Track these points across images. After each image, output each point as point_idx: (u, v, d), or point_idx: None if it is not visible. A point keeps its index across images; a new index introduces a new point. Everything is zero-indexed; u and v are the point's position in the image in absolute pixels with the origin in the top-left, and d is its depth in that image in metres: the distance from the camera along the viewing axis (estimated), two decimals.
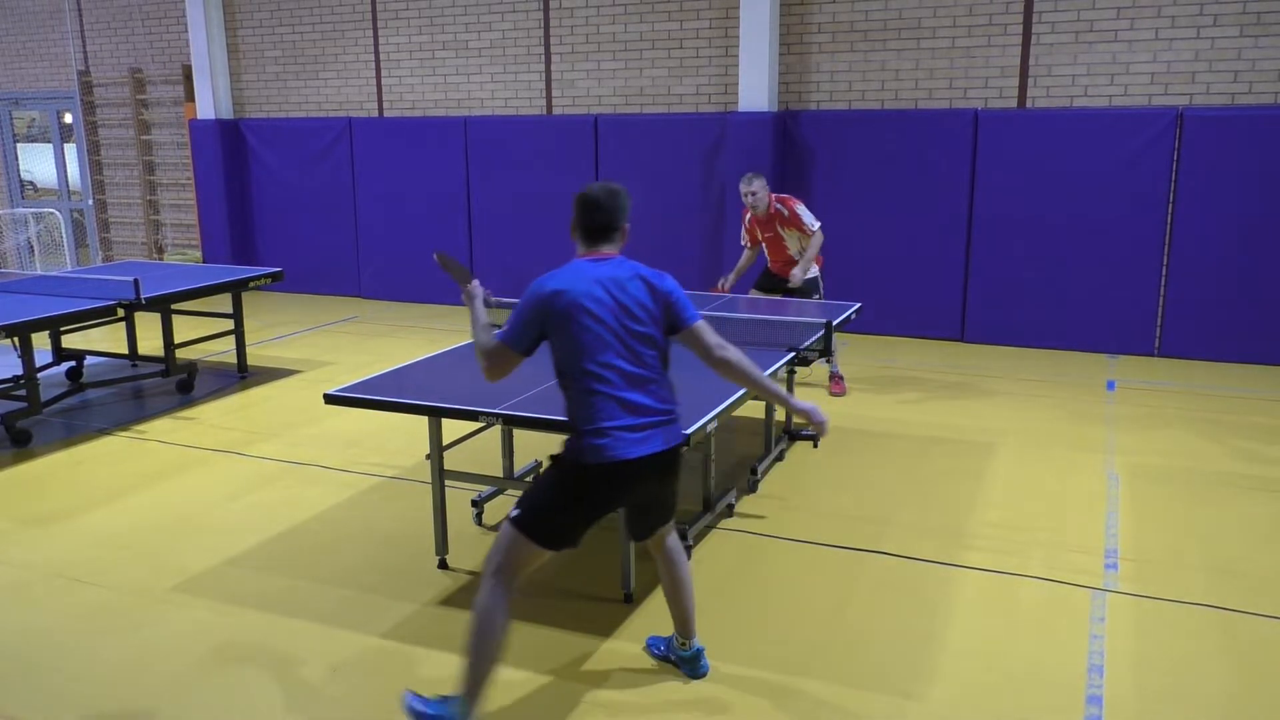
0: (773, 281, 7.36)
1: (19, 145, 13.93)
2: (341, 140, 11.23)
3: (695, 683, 3.57)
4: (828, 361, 5.19)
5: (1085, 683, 3.56)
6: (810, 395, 7.18)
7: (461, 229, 10.83)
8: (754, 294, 7.42)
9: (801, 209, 7.04)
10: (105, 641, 3.91)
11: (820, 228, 7.05)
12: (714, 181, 9.53)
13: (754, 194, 6.97)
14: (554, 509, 3.19)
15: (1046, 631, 3.92)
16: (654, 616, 4.04)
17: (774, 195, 7.10)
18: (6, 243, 12.91)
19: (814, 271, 7.17)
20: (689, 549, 4.58)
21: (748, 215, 7.23)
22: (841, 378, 7.39)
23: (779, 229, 7.12)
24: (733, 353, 3.28)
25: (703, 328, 3.29)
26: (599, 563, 4.53)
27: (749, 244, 7.37)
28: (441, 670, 3.67)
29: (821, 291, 7.28)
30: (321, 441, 6.31)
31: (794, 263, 7.13)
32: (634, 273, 3.25)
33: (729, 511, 5.08)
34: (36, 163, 14.28)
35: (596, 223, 3.31)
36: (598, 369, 3.14)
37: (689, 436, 3.40)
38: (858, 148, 8.98)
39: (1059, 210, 8.48)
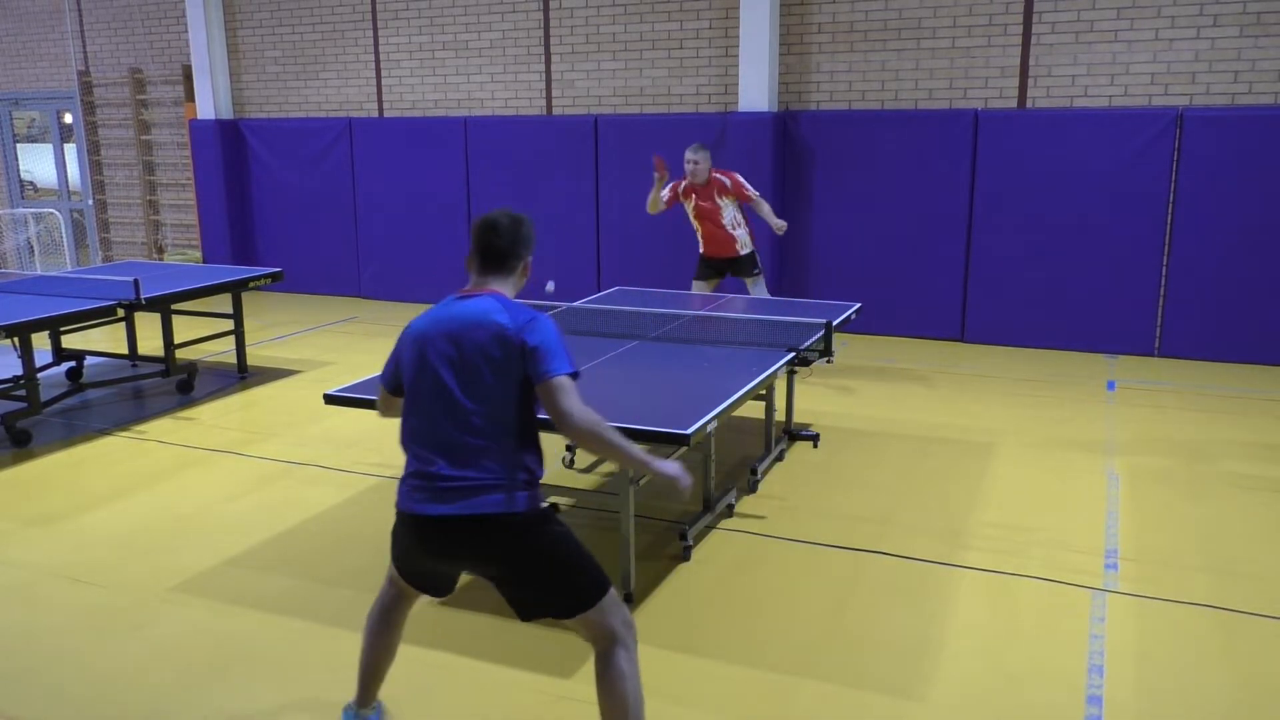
0: (711, 268, 7.62)
1: (19, 145, 13.94)
2: (341, 140, 11.23)
3: (695, 684, 3.57)
4: (828, 361, 5.21)
5: (1085, 683, 3.56)
6: (812, 384, 7.20)
7: (462, 229, 10.83)
8: (696, 288, 7.62)
9: (739, 177, 7.44)
10: (105, 641, 3.91)
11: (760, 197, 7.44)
12: None
13: (697, 163, 7.34)
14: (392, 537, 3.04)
15: (1046, 631, 3.92)
16: (654, 616, 4.04)
17: (715, 169, 7.45)
18: (6, 243, 12.91)
19: (750, 246, 7.52)
20: (689, 549, 4.58)
21: (683, 183, 7.50)
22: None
23: (716, 198, 7.41)
24: (586, 423, 2.79)
25: (557, 387, 2.78)
26: (599, 563, 4.53)
27: (666, 201, 7.60)
28: (441, 670, 3.67)
29: (761, 267, 7.62)
30: (321, 441, 6.31)
31: (730, 237, 7.45)
32: (490, 319, 2.84)
33: (729, 511, 5.08)
34: (36, 163, 14.28)
35: (488, 252, 3.00)
36: (414, 419, 2.91)
37: (517, 513, 2.82)
38: (858, 148, 8.98)
39: (1059, 210, 8.48)
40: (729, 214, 7.42)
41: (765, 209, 7.43)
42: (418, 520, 2.86)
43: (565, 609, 2.87)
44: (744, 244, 7.48)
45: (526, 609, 2.94)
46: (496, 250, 3.01)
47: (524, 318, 2.84)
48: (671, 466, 2.92)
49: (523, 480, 2.85)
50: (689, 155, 7.37)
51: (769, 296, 7.64)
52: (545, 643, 3.85)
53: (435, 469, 2.83)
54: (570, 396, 2.80)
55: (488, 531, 2.80)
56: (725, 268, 7.59)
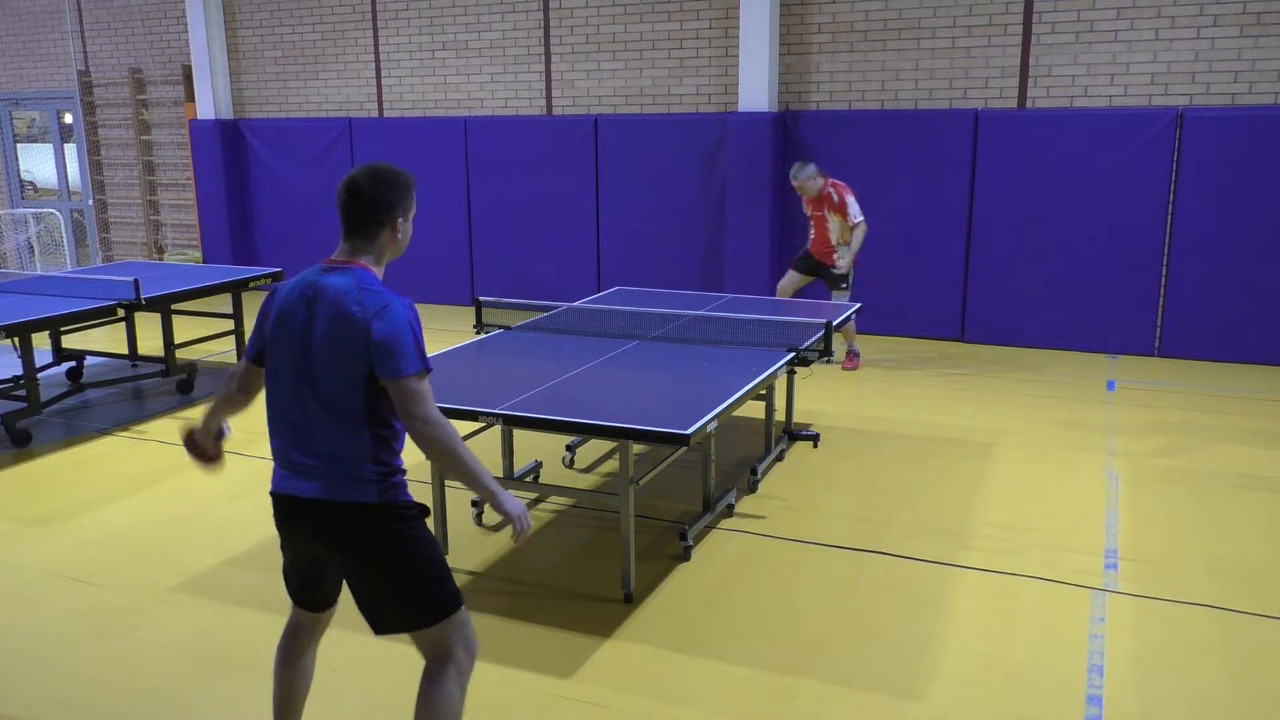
0: (810, 264, 7.91)
1: (19, 145, 13.94)
2: (341, 140, 11.23)
3: (695, 684, 3.57)
4: (828, 361, 5.22)
5: (1085, 683, 3.56)
6: (821, 376, 7.20)
7: (461, 229, 10.83)
8: (788, 276, 8.02)
9: (850, 199, 7.57)
10: (105, 642, 3.91)
11: (864, 222, 7.57)
12: (714, 182, 9.53)
13: (798, 184, 7.66)
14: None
15: (1046, 631, 3.92)
16: (654, 616, 4.04)
17: (829, 180, 7.67)
18: (6, 243, 12.91)
19: (847, 264, 7.74)
20: (688, 549, 4.58)
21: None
22: (858, 354, 8.02)
23: (825, 211, 7.66)
24: (436, 432, 2.56)
25: (406, 389, 2.54)
26: (599, 563, 4.54)
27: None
28: None
29: (849, 284, 7.79)
30: None
31: (831, 248, 7.71)
32: (341, 301, 2.60)
33: (729, 511, 5.08)
34: (36, 163, 14.28)
35: (346, 216, 2.74)
36: (272, 395, 2.72)
37: (371, 504, 2.64)
38: (858, 148, 8.98)
39: (1059, 210, 8.48)
40: (836, 231, 7.65)
41: (855, 240, 7.54)
42: (278, 498, 2.72)
43: (409, 619, 2.68)
44: (841, 256, 7.64)
45: (374, 613, 2.72)
46: (355, 213, 2.73)
47: (374, 305, 2.57)
48: (515, 505, 2.72)
49: (374, 472, 2.63)
50: (791, 176, 7.71)
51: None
52: (545, 643, 3.85)
53: (292, 448, 2.67)
54: (418, 400, 2.55)
55: (332, 518, 2.63)
56: (819, 270, 7.87)
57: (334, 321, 2.59)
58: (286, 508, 2.71)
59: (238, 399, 2.87)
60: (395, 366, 2.54)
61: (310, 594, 2.92)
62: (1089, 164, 8.30)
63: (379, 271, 2.75)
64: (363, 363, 2.56)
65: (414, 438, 2.59)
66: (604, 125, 9.92)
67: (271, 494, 2.74)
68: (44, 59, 13.09)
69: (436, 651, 2.71)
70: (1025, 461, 5.86)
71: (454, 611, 2.71)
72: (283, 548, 2.86)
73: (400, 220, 2.76)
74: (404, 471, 2.75)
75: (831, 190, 7.59)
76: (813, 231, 7.88)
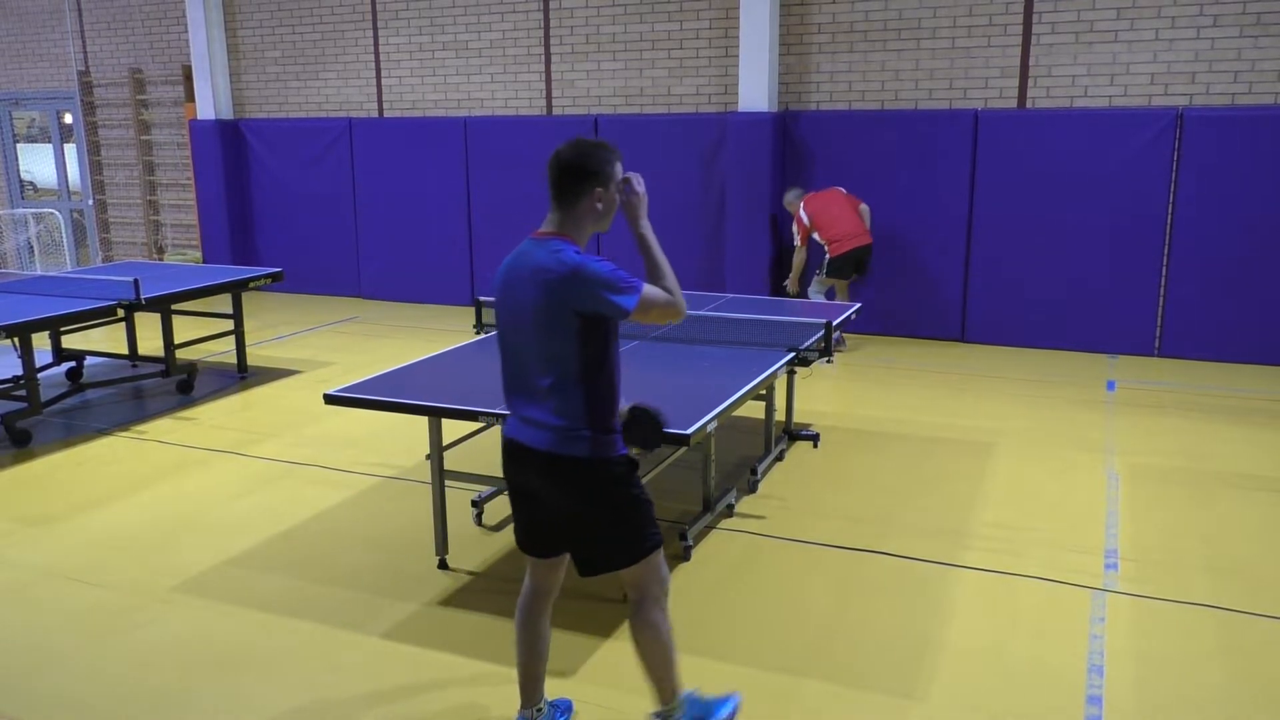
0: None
1: (19, 145, 13.94)
2: (341, 140, 11.23)
3: (697, 682, 3.56)
4: (828, 361, 5.22)
5: (1085, 683, 3.56)
6: (821, 376, 7.20)
7: (461, 229, 10.83)
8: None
9: (795, 225, 8.59)
10: (105, 642, 3.91)
11: (797, 248, 8.61)
12: (714, 182, 9.53)
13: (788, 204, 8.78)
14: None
15: (1046, 631, 3.92)
16: None
17: (803, 204, 8.54)
18: (6, 243, 12.91)
19: (827, 252, 8.48)
20: (688, 549, 4.58)
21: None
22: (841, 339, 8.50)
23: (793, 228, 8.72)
24: (680, 307, 2.95)
25: (642, 312, 2.83)
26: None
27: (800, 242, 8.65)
28: (441, 670, 3.67)
29: (821, 271, 8.54)
30: (321, 441, 6.31)
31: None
32: (540, 266, 2.82)
33: (729, 511, 5.08)
34: (36, 163, 14.28)
35: (552, 186, 2.91)
36: (503, 358, 2.99)
37: (597, 459, 2.87)
38: (858, 148, 8.98)
39: (1059, 210, 8.48)
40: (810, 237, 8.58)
41: (794, 262, 8.67)
42: (510, 443, 2.97)
43: (621, 559, 2.96)
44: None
45: (578, 557, 3.02)
46: (557, 183, 2.91)
47: (571, 263, 2.79)
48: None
49: (588, 430, 2.85)
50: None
51: (814, 298, 8.55)
52: None
53: (522, 405, 2.92)
54: (655, 311, 2.90)
55: (556, 470, 2.87)
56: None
57: (541, 288, 2.79)
58: (518, 453, 2.95)
59: None
60: (615, 302, 2.78)
61: (539, 542, 3.10)
62: (1089, 164, 8.30)
63: (580, 241, 2.92)
64: (574, 320, 2.78)
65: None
66: (604, 125, 9.92)
67: (504, 438, 2.98)
68: (44, 59, 13.09)
69: (637, 585, 3.00)
70: (1025, 461, 5.86)
71: (654, 553, 2.97)
72: (511, 496, 3.08)
73: (600, 190, 2.89)
74: (616, 431, 2.96)
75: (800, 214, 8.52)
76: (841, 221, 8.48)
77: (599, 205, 2.91)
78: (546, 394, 2.85)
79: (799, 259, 8.58)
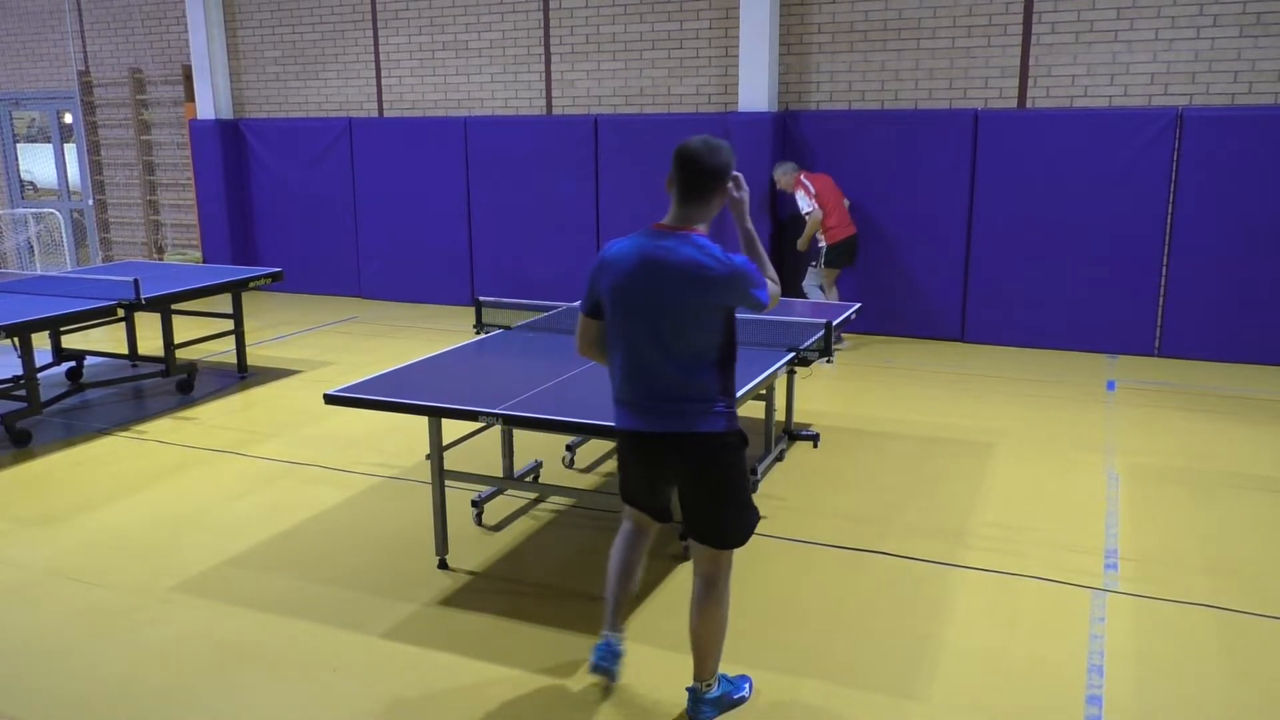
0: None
1: (19, 145, 13.93)
2: (341, 140, 11.23)
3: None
4: (828, 361, 5.22)
5: (1085, 683, 3.56)
6: (821, 376, 7.20)
7: (461, 229, 10.83)
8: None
9: (800, 194, 8.54)
10: (105, 642, 3.91)
11: (812, 213, 8.49)
12: None
13: (777, 181, 8.74)
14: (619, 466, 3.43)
15: (1046, 631, 3.92)
16: (654, 616, 4.04)
17: (803, 175, 8.59)
18: (6, 243, 12.91)
19: (822, 241, 8.56)
20: (688, 549, 4.57)
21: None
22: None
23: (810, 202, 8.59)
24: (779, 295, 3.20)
25: (770, 292, 3.09)
26: (599, 563, 4.53)
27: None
28: (441, 670, 3.67)
29: (818, 262, 8.62)
30: (321, 441, 6.31)
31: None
32: (688, 260, 2.96)
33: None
34: (36, 163, 14.28)
35: (685, 183, 3.07)
36: (622, 349, 3.15)
37: (730, 431, 3.12)
38: (858, 148, 8.98)
39: (1059, 210, 8.48)
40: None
41: (805, 231, 8.57)
42: (634, 435, 3.17)
43: (735, 536, 3.22)
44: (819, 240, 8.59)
45: (704, 531, 3.21)
46: (692, 182, 3.08)
47: (724, 259, 3.01)
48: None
49: (722, 406, 3.11)
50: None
51: (812, 295, 8.59)
52: (545, 643, 3.85)
53: (647, 393, 3.09)
54: (775, 300, 3.12)
55: (689, 447, 3.09)
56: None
57: (697, 283, 2.95)
58: (646, 441, 3.14)
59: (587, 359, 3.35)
60: (758, 297, 3.03)
61: (654, 507, 3.38)
62: (1089, 164, 8.30)
63: (707, 233, 3.12)
64: (723, 311, 3.04)
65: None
66: (604, 125, 9.92)
67: (628, 431, 3.17)
68: (44, 59, 13.09)
69: (719, 562, 3.24)
70: (1025, 461, 5.86)
71: (749, 538, 3.26)
72: (630, 465, 3.30)
73: (724, 187, 3.13)
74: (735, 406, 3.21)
75: (802, 182, 8.49)
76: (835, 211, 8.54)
77: (719, 201, 3.14)
78: (683, 378, 3.03)
79: (816, 220, 8.41)
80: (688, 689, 3.35)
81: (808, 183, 8.49)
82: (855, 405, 7.03)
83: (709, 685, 3.34)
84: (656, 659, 3.72)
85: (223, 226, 11.84)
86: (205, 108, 11.74)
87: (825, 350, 5.11)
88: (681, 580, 4.36)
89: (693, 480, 3.15)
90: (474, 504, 5.02)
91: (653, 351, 3.04)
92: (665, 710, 3.41)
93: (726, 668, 3.48)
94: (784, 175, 8.63)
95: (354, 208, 11.36)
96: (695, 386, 3.05)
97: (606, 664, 3.40)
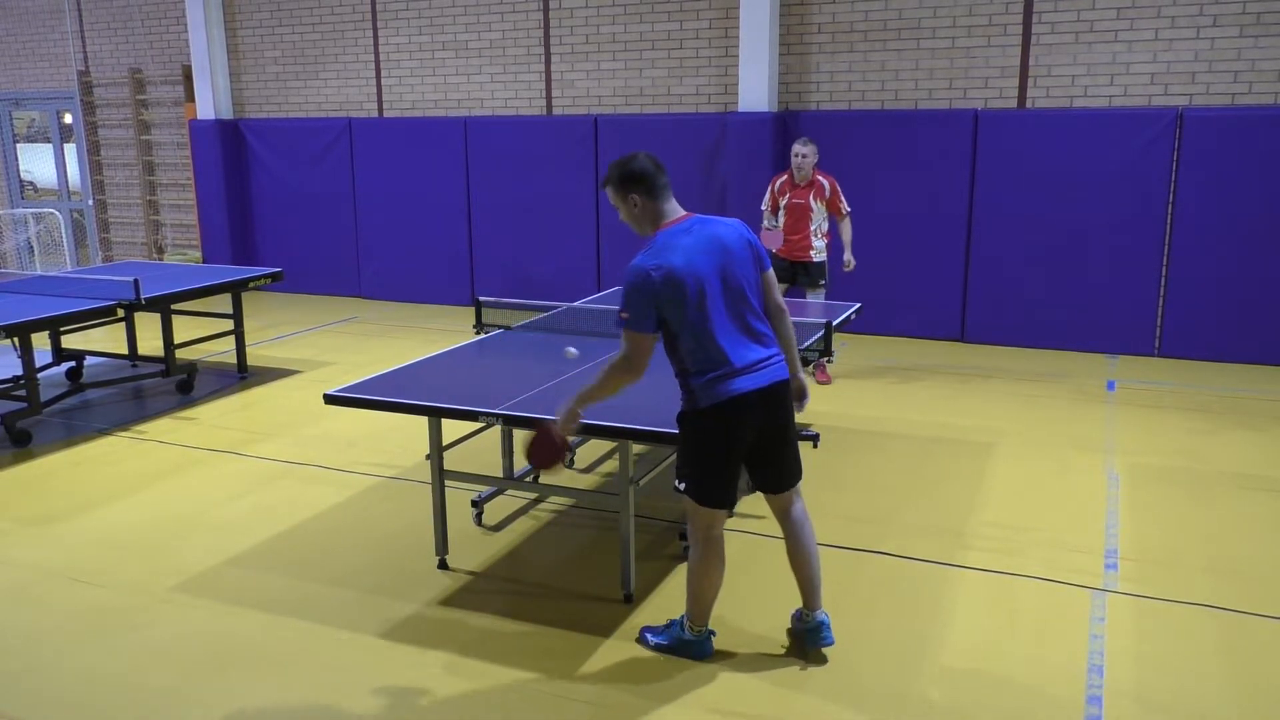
0: (781, 270, 7.33)
1: (19, 145, 13.93)
2: (341, 140, 11.23)
3: (696, 683, 3.57)
4: (829, 361, 5.22)
5: (1085, 683, 3.56)
6: (814, 384, 7.18)
7: (461, 229, 10.83)
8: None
9: (841, 190, 7.48)
10: (105, 642, 3.91)
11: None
12: (714, 181, 9.53)
13: (804, 156, 7.34)
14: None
15: (1046, 631, 3.92)
16: (654, 617, 4.04)
17: (818, 169, 7.49)
18: (6, 243, 12.91)
19: (824, 255, 7.56)
20: (688, 549, 4.57)
21: (781, 179, 7.50)
22: (824, 366, 7.67)
23: (811, 199, 7.38)
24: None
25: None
26: (599, 563, 4.54)
27: (769, 209, 7.62)
28: (441, 670, 3.67)
29: (829, 279, 7.63)
30: (321, 441, 6.31)
31: (808, 243, 7.44)
32: (735, 231, 3.58)
33: (729, 512, 5.06)
34: (36, 163, 14.28)
35: (666, 183, 3.60)
36: (717, 325, 3.44)
37: (788, 378, 3.57)
38: (858, 148, 8.98)
39: (1059, 210, 8.48)
40: (817, 220, 7.43)
41: (848, 232, 7.48)
42: (743, 398, 3.37)
43: (799, 468, 3.69)
44: (819, 252, 7.49)
45: (787, 472, 3.65)
46: (667, 182, 3.64)
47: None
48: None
49: (782, 355, 3.56)
50: (797, 148, 7.38)
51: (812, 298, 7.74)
52: (545, 643, 3.85)
53: (746, 354, 3.41)
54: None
55: (783, 393, 3.52)
56: (795, 271, 7.52)
57: (753, 252, 3.53)
58: (751, 401, 3.39)
59: (639, 378, 3.46)
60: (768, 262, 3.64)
61: (771, 480, 3.67)
62: (1089, 164, 8.30)
63: None
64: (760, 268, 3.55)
65: (780, 308, 3.65)
66: (604, 125, 9.92)
67: (735, 399, 3.36)
68: (44, 59, 13.09)
69: (796, 497, 3.71)
70: (1025, 461, 5.86)
71: None
72: (729, 457, 3.45)
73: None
74: None
75: (822, 179, 7.41)
76: (784, 220, 7.42)
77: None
78: (766, 336, 3.49)
79: (851, 224, 7.49)
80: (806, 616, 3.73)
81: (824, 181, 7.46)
82: (855, 405, 7.03)
83: (817, 611, 3.74)
84: (655, 659, 3.72)
85: (223, 226, 11.84)
86: (205, 108, 11.74)
87: (825, 350, 5.11)
88: (682, 580, 4.36)
89: (786, 428, 3.57)
90: (474, 504, 5.02)
91: (744, 316, 3.43)
92: (663, 710, 3.41)
93: (725, 674, 3.48)
94: (814, 154, 7.41)
95: (354, 208, 11.36)
96: (771, 338, 3.51)
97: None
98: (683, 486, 3.55)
